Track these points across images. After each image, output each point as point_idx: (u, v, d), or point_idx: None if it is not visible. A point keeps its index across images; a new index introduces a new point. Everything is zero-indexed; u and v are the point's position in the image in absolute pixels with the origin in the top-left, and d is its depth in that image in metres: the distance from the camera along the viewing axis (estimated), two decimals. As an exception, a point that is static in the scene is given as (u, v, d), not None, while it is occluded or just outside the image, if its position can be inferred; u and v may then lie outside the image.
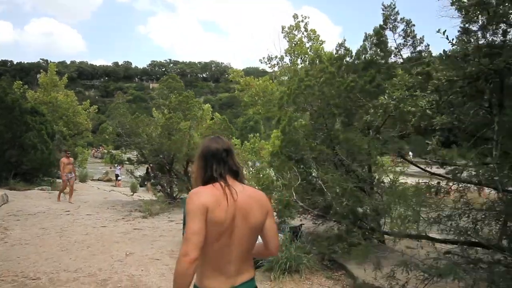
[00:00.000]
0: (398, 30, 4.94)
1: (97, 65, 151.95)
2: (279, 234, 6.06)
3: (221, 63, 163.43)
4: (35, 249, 6.42)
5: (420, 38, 4.93)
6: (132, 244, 7.06)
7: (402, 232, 3.27)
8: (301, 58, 16.59)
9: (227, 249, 1.74)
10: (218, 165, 1.82)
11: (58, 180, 16.59)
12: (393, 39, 5.15)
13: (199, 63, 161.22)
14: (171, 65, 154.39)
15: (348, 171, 5.33)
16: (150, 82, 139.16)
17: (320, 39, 17.07)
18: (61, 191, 11.68)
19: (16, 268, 5.48)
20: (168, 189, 11.63)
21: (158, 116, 12.62)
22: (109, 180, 24.30)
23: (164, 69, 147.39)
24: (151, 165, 12.60)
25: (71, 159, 11.97)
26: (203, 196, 1.71)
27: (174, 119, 9.81)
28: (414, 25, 4.93)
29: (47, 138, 16.75)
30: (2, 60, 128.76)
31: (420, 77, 3.28)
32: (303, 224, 7.88)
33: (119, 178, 22.31)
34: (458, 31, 3.84)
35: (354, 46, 6.88)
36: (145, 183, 15.59)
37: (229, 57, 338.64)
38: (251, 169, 14.73)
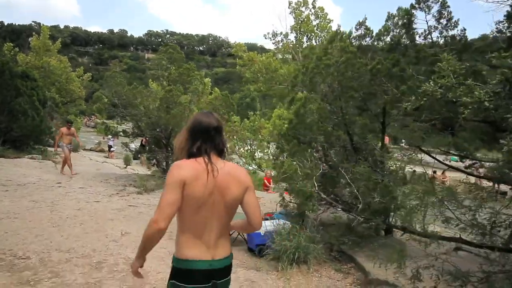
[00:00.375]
0: (432, 11, 4.49)
1: (92, 31, 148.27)
2: (287, 222, 5.81)
3: (219, 37, 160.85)
4: (24, 224, 6.06)
5: (455, 21, 4.51)
6: (128, 223, 6.73)
7: (435, 234, 2.96)
8: (307, 36, 15.98)
9: (208, 221, 1.81)
10: (205, 142, 1.86)
11: (49, 149, 16.10)
12: (423, 21, 4.71)
13: (197, 35, 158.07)
14: (168, 35, 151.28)
15: (367, 161, 4.98)
16: (146, 52, 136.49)
17: (328, 17, 16.43)
18: (64, 163, 10.99)
19: (4, 245, 5.13)
20: (164, 165, 11.23)
21: (155, 87, 12.03)
22: (102, 151, 23.83)
23: (160, 40, 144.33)
24: (146, 137, 12.13)
25: (73, 129, 11.04)
26: (184, 170, 1.77)
27: (174, 92, 9.28)
28: (449, 6, 4.49)
29: (38, 105, 16.11)
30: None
31: (468, 64, 2.91)
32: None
33: (112, 149, 21.87)
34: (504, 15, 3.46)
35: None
36: (139, 156, 15.19)
37: (227, 31, 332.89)
38: (250, 147, 14.41)
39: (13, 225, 5.96)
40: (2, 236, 5.48)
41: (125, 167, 15.68)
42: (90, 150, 24.05)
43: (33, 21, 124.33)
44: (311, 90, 5.35)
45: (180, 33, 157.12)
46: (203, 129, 1.88)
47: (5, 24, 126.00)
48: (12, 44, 25.21)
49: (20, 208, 6.89)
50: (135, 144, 13.14)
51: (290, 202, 5.68)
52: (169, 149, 11.18)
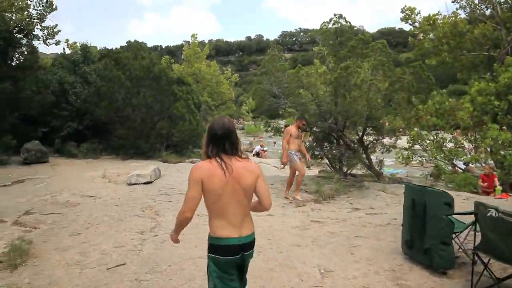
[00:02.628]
0: None
1: (231, 41, 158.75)
2: None
3: (353, 26, 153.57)
4: (185, 254, 4.51)
5: None
6: (322, 251, 4.64)
7: None
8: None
9: (230, 205, 2.22)
10: (215, 147, 2.27)
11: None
12: None
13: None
14: (302, 33, 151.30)
15: None
16: (282, 53, 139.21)
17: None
18: (290, 184, 7.36)
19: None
20: (337, 163, 9.02)
21: (320, 69, 9.84)
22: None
23: (294, 39, 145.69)
24: (312, 131, 10.01)
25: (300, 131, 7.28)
26: (200, 170, 2.20)
27: (352, 68, 6.93)
28: None
29: (194, 109, 16.02)
30: (154, 45, 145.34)
31: None
32: None
33: (265, 148, 21.12)
34: None
35: None
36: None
37: (360, 20, 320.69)
38: (435, 136, 11.09)
39: (175, 255, 4.46)
40: (158, 275, 3.98)
41: (283, 167, 14.14)
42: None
43: (183, 41, 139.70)
44: None
45: (313, 29, 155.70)
46: (213, 135, 2.28)
47: (163, 47, 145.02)
48: (168, 57, 26.89)
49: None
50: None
51: None
52: (341, 143, 8.92)
